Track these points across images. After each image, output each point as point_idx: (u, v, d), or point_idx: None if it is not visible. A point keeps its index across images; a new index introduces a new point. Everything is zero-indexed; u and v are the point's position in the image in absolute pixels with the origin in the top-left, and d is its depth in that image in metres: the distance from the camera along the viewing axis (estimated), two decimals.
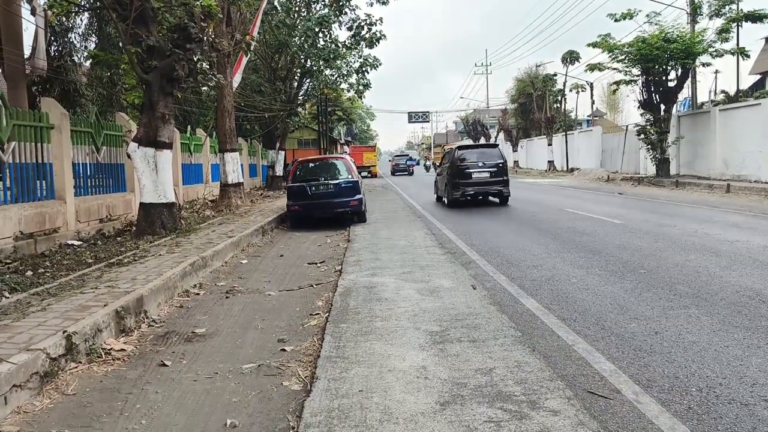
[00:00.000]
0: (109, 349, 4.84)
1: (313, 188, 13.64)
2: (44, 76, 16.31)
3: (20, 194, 8.99)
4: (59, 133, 9.93)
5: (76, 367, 4.46)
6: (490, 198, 18.22)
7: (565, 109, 46.88)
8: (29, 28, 15.75)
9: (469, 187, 17.39)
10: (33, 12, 15.79)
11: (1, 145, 8.54)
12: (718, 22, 24.12)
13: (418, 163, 77.37)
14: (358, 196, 13.78)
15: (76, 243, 9.57)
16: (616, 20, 25.29)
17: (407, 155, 63.46)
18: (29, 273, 7.24)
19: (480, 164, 17.63)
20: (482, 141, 54.67)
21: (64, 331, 4.49)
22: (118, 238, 10.23)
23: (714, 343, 4.68)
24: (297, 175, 14.23)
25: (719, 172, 23.04)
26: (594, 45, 26.40)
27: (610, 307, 5.85)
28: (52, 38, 17.67)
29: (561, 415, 3.49)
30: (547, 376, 4.09)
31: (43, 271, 7.45)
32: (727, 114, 23.38)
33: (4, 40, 13.86)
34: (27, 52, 15.10)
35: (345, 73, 26.28)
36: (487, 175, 17.50)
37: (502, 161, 17.85)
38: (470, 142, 58.73)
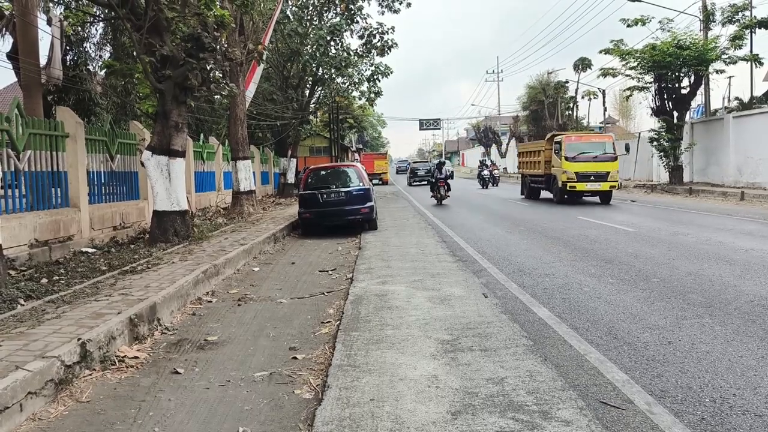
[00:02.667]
0: (122, 357, 4.89)
1: (325, 196, 13.68)
2: (60, 86, 16.50)
3: (35, 202, 9.09)
4: (74, 142, 10.04)
5: (91, 375, 4.50)
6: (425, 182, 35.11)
7: (577, 116, 46.73)
8: (45, 38, 15.91)
9: (417, 179, 42.25)
10: (49, 22, 16.02)
11: (17, 154, 8.64)
12: (731, 29, 24.03)
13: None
14: (369, 204, 13.80)
15: (90, 250, 9.65)
16: (628, 26, 25.20)
17: (407, 161, 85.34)
18: (44, 280, 7.31)
19: (421, 169, 43.57)
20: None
21: (79, 339, 4.53)
22: (132, 246, 10.30)
23: (728, 353, 4.64)
24: (308, 182, 14.27)
25: (733, 179, 22.85)
26: (606, 51, 26.32)
27: (623, 317, 5.82)
28: (68, 48, 17.87)
29: (573, 425, 3.47)
30: (559, 385, 4.08)
31: (57, 278, 7.51)
32: (740, 121, 23.21)
33: (20, 50, 14.07)
34: (43, 62, 15.28)
35: (356, 81, 26.38)
36: (424, 173, 40.03)
37: (429, 168, 34.23)
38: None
